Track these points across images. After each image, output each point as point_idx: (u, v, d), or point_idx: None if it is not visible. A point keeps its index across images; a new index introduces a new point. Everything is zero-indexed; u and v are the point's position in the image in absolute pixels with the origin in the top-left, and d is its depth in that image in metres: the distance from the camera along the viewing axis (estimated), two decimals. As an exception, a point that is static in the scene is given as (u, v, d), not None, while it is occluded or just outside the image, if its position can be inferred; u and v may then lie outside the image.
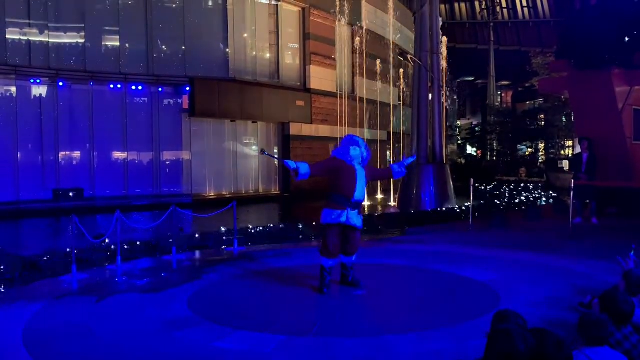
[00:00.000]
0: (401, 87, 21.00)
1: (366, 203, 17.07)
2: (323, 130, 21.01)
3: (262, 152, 6.66)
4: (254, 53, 20.58)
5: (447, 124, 30.37)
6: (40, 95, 16.87)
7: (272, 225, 11.09)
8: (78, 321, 5.26)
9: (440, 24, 17.55)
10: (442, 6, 38.49)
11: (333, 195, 6.18)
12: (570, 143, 31.86)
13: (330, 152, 6.49)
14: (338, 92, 21.11)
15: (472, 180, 12.47)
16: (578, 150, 15.00)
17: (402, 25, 24.91)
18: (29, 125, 16.68)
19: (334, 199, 6.15)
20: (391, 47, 20.65)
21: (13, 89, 16.41)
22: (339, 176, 6.19)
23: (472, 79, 46.66)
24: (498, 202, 16.22)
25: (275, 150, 21.30)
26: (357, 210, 6.24)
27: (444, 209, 13.82)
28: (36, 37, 16.81)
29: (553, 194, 19.17)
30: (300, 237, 10.46)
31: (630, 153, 13.69)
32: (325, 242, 6.22)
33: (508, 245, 9.14)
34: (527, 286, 6.33)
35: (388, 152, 21.08)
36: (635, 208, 12.33)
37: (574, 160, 12.29)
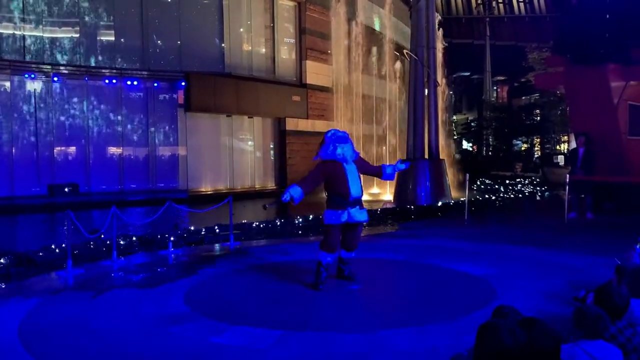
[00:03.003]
0: (397, 82, 20.99)
1: (363, 198, 17.09)
2: (319, 126, 20.97)
3: (265, 207, 6.65)
4: (250, 48, 20.52)
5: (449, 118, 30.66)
6: (35, 90, 16.78)
7: (268, 221, 11.10)
8: (74, 317, 5.25)
9: (438, 19, 17.54)
10: (438, 1, 38.47)
11: (331, 197, 6.18)
12: (565, 138, 31.95)
13: (319, 153, 6.30)
14: (334, 87, 21.12)
15: (467, 175, 12.51)
16: (573, 145, 15.05)
17: (398, 20, 24.88)
18: (23, 120, 16.60)
19: (333, 200, 6.15)
20: (387, 41, 20.65)
21: (7, 84, 16.32)
22: (331, 178, 6.18)
23: (468, 74, 46.64)
24: (494, 197, 16.26)
25: (272, 146, 21.27)
26: (358, 207, 6.24)
27: (439, 203, 13.85)
28: (31, 32, 16.71)
29: (548, 189, 19.23)
30: (297, 232, 10.47)
31: (625, 148, 13.74)
32: (327, 239, 6.22)
33: (504, 240, 9.18)
34: (523, 281, 6.36)
35: (384, 147, 21.08)
36: (630, 203, 12.39)
37: (571, 155, 12.34)
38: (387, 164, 6.59)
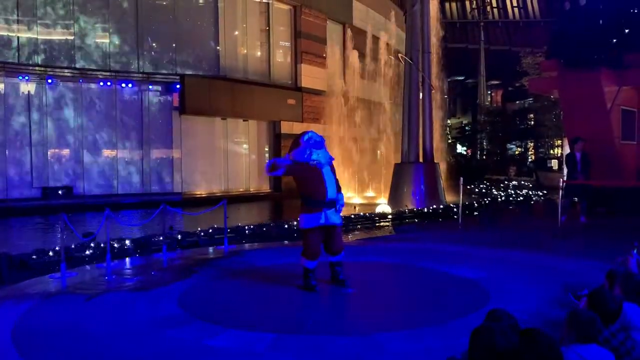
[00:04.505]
0: (392, 86, 21.05)
1: (357, 201, 17.11)
2: (314, 129, 20.95)
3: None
4: (245, 51, 20.54)
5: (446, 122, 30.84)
6: (29, 92, 16.71)
7: (262, 224, 11.09)
8: (68, 320, 5.23)
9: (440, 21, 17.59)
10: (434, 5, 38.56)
11: (307, 199, 6.14)
12: (559, 142, 32.09)
13: (292, 154, 6.19)
14: (329, 90, 21.14)
15: (462, 179, 12.55)
16: (567, 149, 15.10)
17: (394, 23, 24.98)
18: (17, 122, 16.52)
19: (310, 203, 6.11)
20: (382, 45, 20.70)
21: (1, 86, 16.24)
22: (306, 181, 6.15)
23: (463, 78, 46.83)
24: (488, 201, 16.32)
25: (266, 149, 21.27)
26: (333, 209, 6.17)
27: (434, 207, 13.88)
28: (25, 34, 16.65)
29: (542, 193, 19.32)
30: (291, 235, 10.47)
31: (618, 152, 13.83)
32: (307, 245, 6.19)
33: (498, 243, 9.20)
34: (517, 284, 6.37)
35: (379, 151, 21.12)
36: (622, 207, 12.46)
37: (568, 160, 12.34)
38: (341, 194, 6.34)
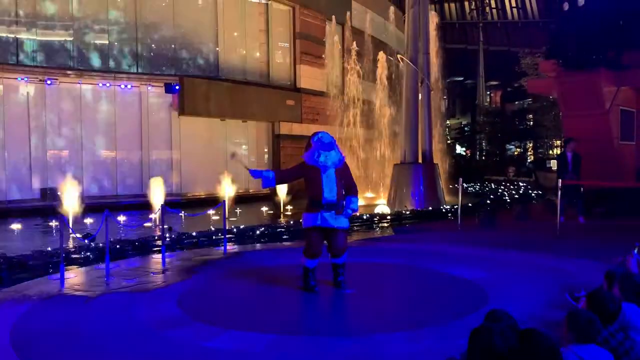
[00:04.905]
0: (391, 87, 21.07)
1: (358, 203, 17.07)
2: (313, 130, 20.88)
3: (233, 156, 6.64)
4: (244, 52, 20.54)
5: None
6: (28, 93, 16.69)
7: (262, 225, 11.09)
8: (67, 321, 5.23)
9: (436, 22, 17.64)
10: (432, 6, 38.61)
11: (309, 199, 6.25)
12: (558, 143, 32.12)
13: (305, 154, 6.25)
14: (328, 91, 21.15)
15: (461, 179, 12.56)
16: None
17: (393, 25, 25.00)
18: (16, 124, 16.49)
19: (309, 202, 6.22)
20: (381, 46, 20.69)
21: (0, 87, 16.23)
22: (307, 180, 6.24)
23: (462, 78, 46.83)
24: (487, 202, 16.32)
25: (266, 150, 21.26)
26: (333, 212, 6.08)
27: (433, 208, 13.88)
28: (24, 35, 16.63)
29: (541, 194, 19.34)
30: (290, 236, 10.47)
31: (617, 153, 13.86)
32: (307, 244, 6.28)
33: (497, 244, 9.20)
34: (515, 285, 6.39)
35: (377, 152, 21.11)
36: (621, 207, 12.47)
37: (560, 160, 12.36)
38: (355, 197, 6.32)
